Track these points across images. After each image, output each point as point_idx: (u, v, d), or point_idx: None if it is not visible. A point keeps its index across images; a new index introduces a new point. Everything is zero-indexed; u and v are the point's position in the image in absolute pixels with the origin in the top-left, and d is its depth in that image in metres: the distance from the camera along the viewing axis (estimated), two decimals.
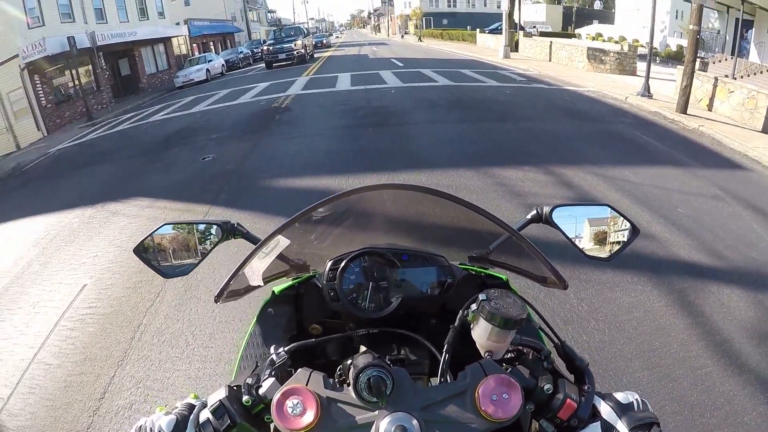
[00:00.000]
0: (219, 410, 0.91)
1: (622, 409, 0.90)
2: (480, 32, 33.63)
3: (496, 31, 33.72)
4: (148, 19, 29.22)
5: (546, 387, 0.93)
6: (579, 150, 7.64)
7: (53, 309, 4.50)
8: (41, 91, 20.04)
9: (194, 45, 37.23)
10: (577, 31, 38.39)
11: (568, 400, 0.91)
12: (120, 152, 11.27)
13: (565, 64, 19.54)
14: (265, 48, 28.17)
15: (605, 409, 0.91)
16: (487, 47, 29.47)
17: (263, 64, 27.86)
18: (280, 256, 1.33)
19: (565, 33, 36.85)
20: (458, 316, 1.03)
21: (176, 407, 0.94)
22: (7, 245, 6.52)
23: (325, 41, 46.15)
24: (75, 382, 3.51)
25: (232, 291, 1.25)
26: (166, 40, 31.78)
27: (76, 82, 21.62)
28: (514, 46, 23.86)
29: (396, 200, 1.41)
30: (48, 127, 19.90)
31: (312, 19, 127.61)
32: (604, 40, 29.55)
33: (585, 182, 6.15)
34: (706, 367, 3.05)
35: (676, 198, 5.61)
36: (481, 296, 0.98)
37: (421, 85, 15.07)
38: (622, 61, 17.13)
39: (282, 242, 1.24)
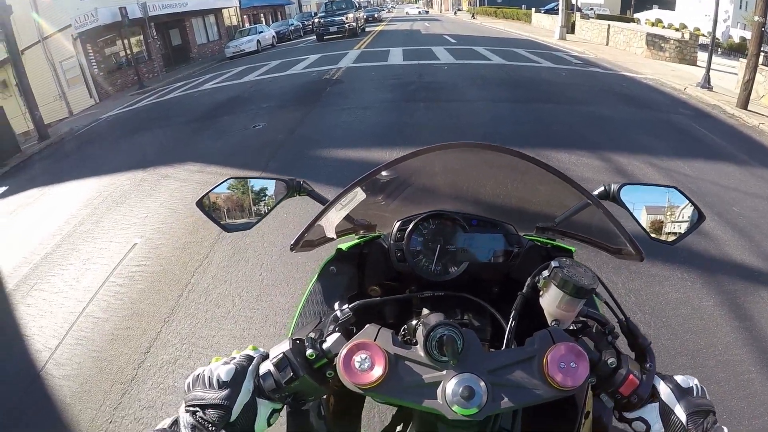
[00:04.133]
0: (282, 362, 0.90)
1: (682, 393, 0.89)
2: (535, 12, 32.73)
3: (552, 11, 32.65)
4: None
5: (610, 361, 0.92)
6: (634, 137, 7.38)
7: (103, 266, 4.68)
8: (93, 60, 20.75)
9: (245, 16, 37.47)
10: (635, 15, 36.94)
11: (631, 376, 0.90)
12: (170, 119, 11.52)
13: (622, 49, 18.85)
14: (316, 20, 28.00)
15: (664, 390, 0.90)
16: (542, 27, 28.71)
17: (314, 37, 27.90)
18: (347, 216, 1.32)
19: (623, 17, 35.50)
20: (527, 283, 1.02)
21: (234, 358, 0.93)
22: (60, 205, 6.78)
23: (376, 15, 45.67)
24: (121, 336, 3.65)
25: (306, 241, 1.24)
26: (216, 11, 32.21)
27: (128, 52, 22.22)
28: (570, 27, 23.15)
29: (466, 161, 1.39)
30: (100, 94, 20.63)
31: None
32: (663, 27, 28.45)
33: (639, 171, 5.95)
34: (750, 373, 2.94)
35: (732, 196, 5.37)
36: (554, 263, 0.97)
37: (474, 63, 14.73)
38: (683, 49, 16.33)
39: (359, 195, 1.22)
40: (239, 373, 0.89)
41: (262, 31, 28.15)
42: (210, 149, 8.07)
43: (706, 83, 11.51)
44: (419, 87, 11.30)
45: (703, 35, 22.16)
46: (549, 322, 0.97)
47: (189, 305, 3.89)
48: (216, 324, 3.63)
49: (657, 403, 0.89)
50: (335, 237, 1.32)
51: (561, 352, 0.85)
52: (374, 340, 0.87)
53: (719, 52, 21.10)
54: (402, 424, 1.10)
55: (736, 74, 11.57)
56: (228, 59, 25.29)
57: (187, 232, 5.00)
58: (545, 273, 0.98)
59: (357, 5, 29.59)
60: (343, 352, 0.86)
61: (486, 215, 1.30)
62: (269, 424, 0.92)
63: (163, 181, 6.76)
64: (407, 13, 57.07)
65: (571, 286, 0.92)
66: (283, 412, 0.99)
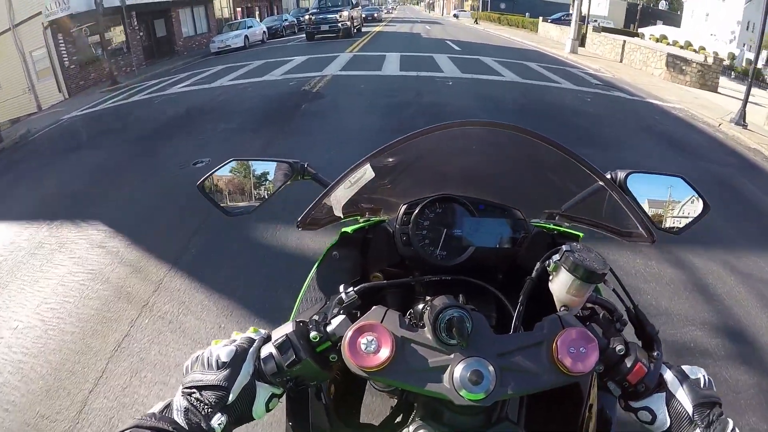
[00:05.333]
0: (285, 345, 0.86)
1: (689, 383, 0.88)
2: (542, 21, 31.16)
3: (559, 21, 31.70)
4: None
5: (618, 348, 0.89)
6: None
7: None
8: (65, 51, 19.13)
9: (238, 9, 35.71)
10: (640, 30, 35.80)
11: (639, 364, 0.88)
12: (117, 135, 9.70)
13: (638, 68, 17.43)
14: (306, 17, 25.43)
15: (671, 380, 0.88)
16: (550, 38, 27.10)
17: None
18: (353, 198, 1.26)
19: (627, 31, 34.15)
20: (536, 267, 0.99)
21: (235, 340, 0.90)
22: None
23: (375, 15, 44.19)
24: None
25: (313, 219, 1.24)
26: (207, 2, 30.50)
27: (104, 43, 20.40)
28: (580, 40, 21.56)
29: (475, 143, 1.34)
30: (70, 89, 19.00)
31: None
32: (668, 44, 27.31)
33: (703, 267, 4.28)
34: None
35: None
36: (565, 247, 0.94)
37: (483, 79, 12.78)
38: (705, 74, 15.07)
39: (368, 173, 1.18)
40: (239, 355, 0.86)
41: (251, 26, 26.48)
42: (130, 201, 6.08)
43: (741, 119, 10.15)
44: (418, 111, 9.34)
45: (710, 56, 21.06)
46: (558, 308, 0.94)
47: None
48: None
49: (663, 393, 0.88)
50: (342, 216, 1.29)
51: (571, 336, 0.83)
52: (381, 322, 0.84)
53: (733, 76, 19.97)
54: (403, 414, 1.04)
55: (760, 105, 10.75)
56: (213, 54, 23.71)
57: (42, 394, 3.06)
58: (556, 257, 0.96)
59: (353, 2, 27.19)
60: (349, 333, 0.84)
61: (494, 199, 1.26)
62: (268, 409, 0.88)
63: (58, 254, 4.88)
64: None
65: (582, 270, 0.90)
66: (283, 398, 0.93)
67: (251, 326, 0.95)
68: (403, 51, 17.97)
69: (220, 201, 1.37)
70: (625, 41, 19.24)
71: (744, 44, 30.92)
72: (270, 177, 1.38)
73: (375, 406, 1.81)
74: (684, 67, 15.54)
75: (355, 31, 26.18)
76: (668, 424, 0.85)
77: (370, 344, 0.81)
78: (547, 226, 1.30)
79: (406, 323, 0.86)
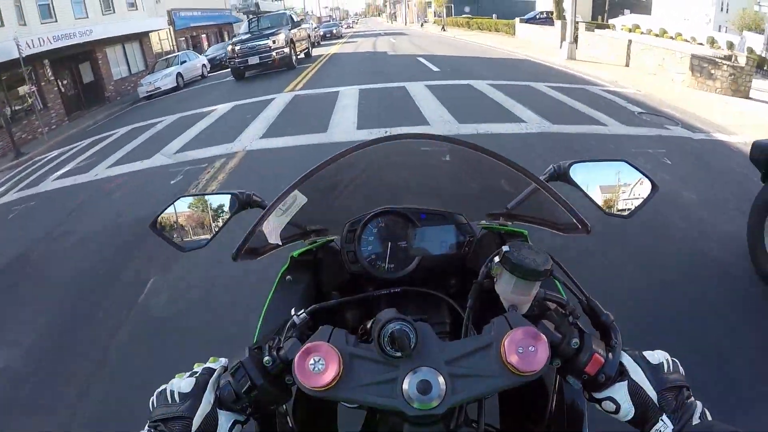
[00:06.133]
0: (239, 372, 0.87)
1: (651, 369, 0.84)
2: (519, 22, 27.85)
3: (534, 20, 28.74)
4: (114, 12, 24.37)
5: (573, 341, 0.85)
6: None
7: None
8: None
9: (181, 39, 32.26)
10: (610, 21, 33.24)
11: (596, 355, 0.84)
12: None
13: (653, 74, 14.12)
14: (229, 48, 18.64)
15: (632, 368, 0.85)
16: (531, 41, 23.69)
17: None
18: (297, 224, 1.29)
19: (594, 23, 31.28)
20: (480, 271, 0.98)
21: (196, 372, 0.90)
22: None
23: (335, 31, 41.00)
24: None
25: (250, 249, 1.21)
26: (141, 36, 26.86)
27: (10, 104, 16.93)
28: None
29: (413, 156, 1.36)
30: None
31: (326, 7, 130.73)
32: (642, 33, 24.96)
33: None
34: None
35: None
36: (504, 248, 0.92)
37: (495, 134, 7.69)
38: (737, 77, 11.96)
39: (299, 199, 1.18)
40: (200, 386, 0.87)
41: (185, 61, 22.37)
42: None
43: None
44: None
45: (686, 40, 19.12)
46: (506, 309, 0.93)
47: None
48: None
49: (626, 381, 0.84)
50: (281, 243, 1.27)
51: (518, 336, 0.80)
52: (328, 341, 0.83)
53: None
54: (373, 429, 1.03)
55: None
56: (144, 99, 20.07)
57: None
58: (496, 259, 0.95)
59: (293, 21, 20.49)
60: (297, 355, 0.82)
61: (437, 207, 1.29)
62: None
63: None
64: None
65: (522, 269, 0.89)
66: (249, 425, 0.91)
67: (211, 356, 0.94)
68: (364, 82, 13.11)
69: (172, 237, 1.34)
70: (630, 41, 15.96)
71: (719, 26, 28.97)
72: (218, 210, 1.35)
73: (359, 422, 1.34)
74: (713, 71, 12.38)
75: (302, 56, 21.07)
76: (633, 412, 0.82)
77: (318, 364, 0.79)
78: (493, 227, 1.32)
79: (353, 340, 0.84)
